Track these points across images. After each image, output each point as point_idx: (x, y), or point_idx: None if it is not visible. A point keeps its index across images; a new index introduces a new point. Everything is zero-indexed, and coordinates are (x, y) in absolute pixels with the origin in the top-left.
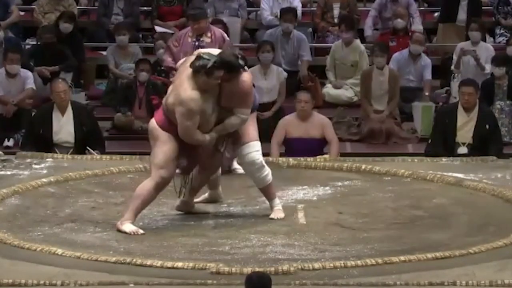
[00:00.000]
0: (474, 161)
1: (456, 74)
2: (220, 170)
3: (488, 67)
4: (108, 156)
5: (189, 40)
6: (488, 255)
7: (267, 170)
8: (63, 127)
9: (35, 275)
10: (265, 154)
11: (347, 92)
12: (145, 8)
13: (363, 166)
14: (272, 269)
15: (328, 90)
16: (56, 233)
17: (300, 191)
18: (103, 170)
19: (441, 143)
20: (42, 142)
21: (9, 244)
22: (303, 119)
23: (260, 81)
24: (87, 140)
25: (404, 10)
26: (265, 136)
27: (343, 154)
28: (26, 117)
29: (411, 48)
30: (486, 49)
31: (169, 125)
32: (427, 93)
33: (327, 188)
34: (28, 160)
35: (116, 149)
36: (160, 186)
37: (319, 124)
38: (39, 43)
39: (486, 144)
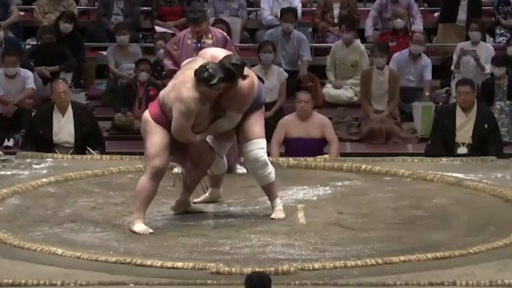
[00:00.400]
0: (474, 161)
1: (456, 74)
2: (225, 169)
3: (488, 67)
4: (108, 156)
5: (189, 42)
6: (488, 255)
7: (270, 168)
8: (63, 127)
9: (35, 275)
10: None
11: (347, 92)
12: (145, 8)
13: (363, 166)
14: (272, 269)
15: (328, 90)
16: (56, 233)
17: (300, 191)
18: (103, 170)
19: (440, 143)
20: (42, 142)
21: (9, 244)
22: (303, 119)
23: None
24: (87, 140)
25: (404, 10)
26: (265, 136)
27: (343, 154)
28: (26, 117)
29: (411, 48)
30: (486, 49)
31: (163, 119)
32: (427, 93)
33: (327, 188)
34: (28, 160)
35: (116, 149)
36: (155, 176)
37: (319, 124)
38: (39, 43)
39: (485, 144)
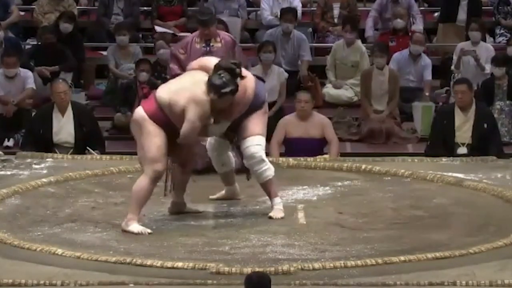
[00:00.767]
0: (474, 161)
1: (456, 74)
2: (233, 166)
3: (488, 67)
4: (108, 156)
5: (198, 46)
6: (488, 255)
7: (267, 165)
8: (63, 127)
9: (35, 275)
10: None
11: (347, 92)
12: (145, 8)
13: (363, 166)
14: (272, 269)
15: (328, 90)
16: (56, 233)
17: (300, 191)
18: (103, 170)
19: (440, 144)
20: (42, 142)
21: (9, 244)
22: (303, 119)
23: None
24: (87, 140)
25: (404, 11)
26: (264, 134)
27: (343, 154)
28: (26, 117)
29: (411, 48)
30: (486, 49)
31: (161, 116)
32: (427, 93)
33: (327, 188)
34: (28, 160)
35: (116, 149)
36: (156, 180)
37: (319, 124)
38: (39, 43)
39: (485, 144)
